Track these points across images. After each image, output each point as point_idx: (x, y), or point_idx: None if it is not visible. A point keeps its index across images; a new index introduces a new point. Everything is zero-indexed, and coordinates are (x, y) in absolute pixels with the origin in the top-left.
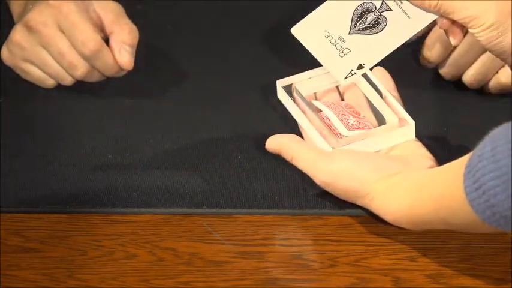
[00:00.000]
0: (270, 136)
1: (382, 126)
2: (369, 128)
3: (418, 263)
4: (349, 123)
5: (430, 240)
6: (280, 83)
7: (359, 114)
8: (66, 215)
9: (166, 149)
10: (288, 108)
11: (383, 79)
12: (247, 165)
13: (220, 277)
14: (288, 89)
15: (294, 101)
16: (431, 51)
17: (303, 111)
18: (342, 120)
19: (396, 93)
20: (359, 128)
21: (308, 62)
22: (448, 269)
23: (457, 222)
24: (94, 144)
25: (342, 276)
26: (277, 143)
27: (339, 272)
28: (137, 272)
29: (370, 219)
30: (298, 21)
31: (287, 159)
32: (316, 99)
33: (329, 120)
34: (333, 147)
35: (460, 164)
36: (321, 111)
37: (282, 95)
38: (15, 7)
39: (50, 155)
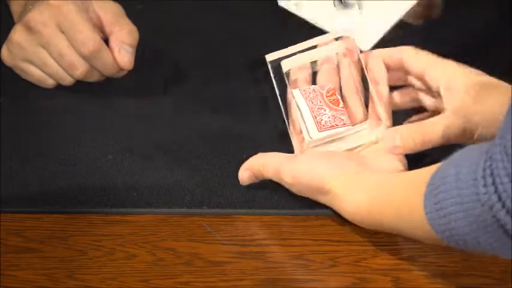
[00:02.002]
0: (270, 137)
1: (353, 128)
2: (343, 125)
3: (418, 263)
4: (323, 121)
5: None
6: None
7: (338, 105)
8: (66, 215)
9: (166, 149)
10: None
11: (376, 66)
12: None
13: (220, 277)
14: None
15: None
16: None
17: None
18: (316, 117)
19: (385, 85)
20: (332, 126)
21: None
22: (448, 269)
23: (414, 233)
24: (94, 144)
25: (342, 276)
26: (245, 169)
27: (339, 272)
28: (137, 272)
29: None
30: (298, 21)
31: (261, 175)
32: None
33: (303, 118)
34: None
35: (420, 178)
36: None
37: (273, 77)
38: (16, 7)
39: (49, 155)
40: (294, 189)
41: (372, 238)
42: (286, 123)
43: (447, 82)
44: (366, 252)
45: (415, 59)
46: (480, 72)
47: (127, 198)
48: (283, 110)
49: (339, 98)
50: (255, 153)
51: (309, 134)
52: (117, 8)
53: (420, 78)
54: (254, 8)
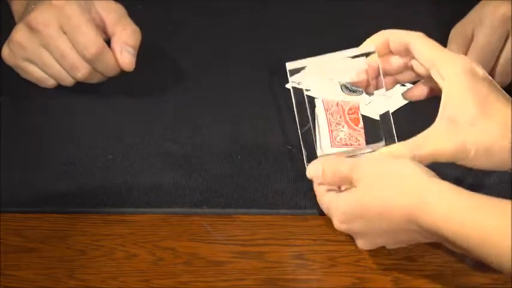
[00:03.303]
0: (270, 137)
1: (366, 147)
2: (358, 146)
3: (418, 263)
4: (338, 138)
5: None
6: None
7: (357, 124)
8: (66, 215)
9: (166, 149)
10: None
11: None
12: (247, 165)
13: (219, 277)
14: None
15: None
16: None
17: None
18: (332, 131)
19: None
20: (345, 144)
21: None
22: (448, 269)
23: (493, 262)
24: (94, 144)
25: (342, 276)
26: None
27: (339, 272)
28: (137, 271)
29: None
30: (299, 21)
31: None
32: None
33: (319, 129)
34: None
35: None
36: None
37: (290, 84)
38: (17, 6)
39: (49, 154)
40: None
41: None
42: (299, 129)
43: (449, 88)
44: (366, 252)
45: (423, 48)
46: (493, 86)
47: (127, 198)
48: (297, 119)
49: (360, 117)
50: (255, 154)
51: (321, 147)
52: (120, 9)
53: (425, 69)
54: (255, 7)
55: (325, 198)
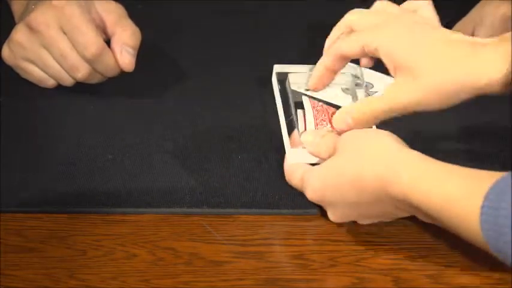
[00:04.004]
0: (270, 138)
1: None
2: None
3: (418, 263)
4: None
5: (430, 240)
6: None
7: None
8: (66, 215)
9: (166, 148)
10: (275, 95)
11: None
12: (247, 165)
13: (220, 277)
14: (284, 76)
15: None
16: None
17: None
18: (317, 124)
19: None
20: None
21: (309, 62)
22: (448, 269)
23: (457, 230)
24: (94, 144)
25: (342, 276)
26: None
27: (339, 272)
28: (137, 271)
29: None
30: (299, 22)
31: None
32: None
33: (304, 120)
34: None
35: (475, 185)
36: (303, 108)
37: (274, 81)
38: (17, 6)
39: (49, 155)
40: None
41: (372, 238)
42: (283, 118)
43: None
44: (366, 252)
45: (351, 48)
46: (443, 35)
47: (127, 198)
48: (281, 109)
49: None
50: (255, 154)
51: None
52: (120, 9)
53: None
54: (255, 6)
55: (300, 170)
